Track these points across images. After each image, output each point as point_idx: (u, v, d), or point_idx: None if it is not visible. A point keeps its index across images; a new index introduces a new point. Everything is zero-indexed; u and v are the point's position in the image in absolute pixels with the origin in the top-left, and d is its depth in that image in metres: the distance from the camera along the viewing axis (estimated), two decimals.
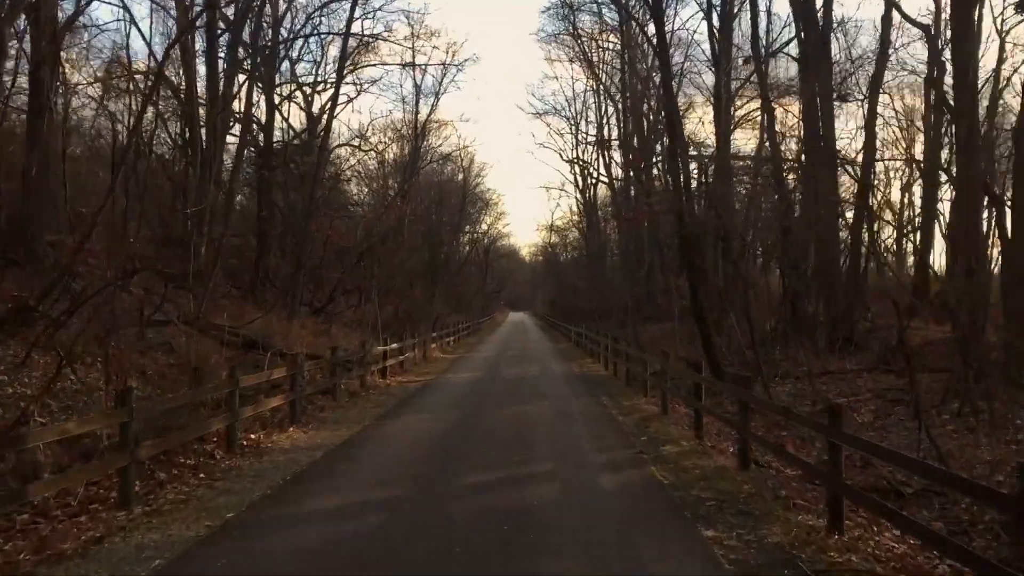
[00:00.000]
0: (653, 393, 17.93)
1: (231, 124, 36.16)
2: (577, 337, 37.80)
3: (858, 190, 25.65)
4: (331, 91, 37.36)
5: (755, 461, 10.18)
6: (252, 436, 11.90)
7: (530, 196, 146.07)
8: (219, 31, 30.68)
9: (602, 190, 65.68)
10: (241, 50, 33.45)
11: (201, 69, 32.89)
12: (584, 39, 47.11)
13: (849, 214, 27.30)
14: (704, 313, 20.59)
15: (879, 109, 28.49)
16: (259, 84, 39.23)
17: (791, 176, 31.24)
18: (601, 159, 59.19)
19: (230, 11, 31.00)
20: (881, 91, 28.16)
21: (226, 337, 22.79)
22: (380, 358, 21.64)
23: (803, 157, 27.72)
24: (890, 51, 27.83)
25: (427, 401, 17.14)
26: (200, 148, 28.99)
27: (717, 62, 31.49)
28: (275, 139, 40.99)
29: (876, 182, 30.37)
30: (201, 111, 30.13)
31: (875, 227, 26.99)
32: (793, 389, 19.34)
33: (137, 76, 32.50)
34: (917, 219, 33.77)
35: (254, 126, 39.72)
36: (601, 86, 51.12)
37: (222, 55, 31.15)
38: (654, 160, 46.17)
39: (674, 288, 30.65)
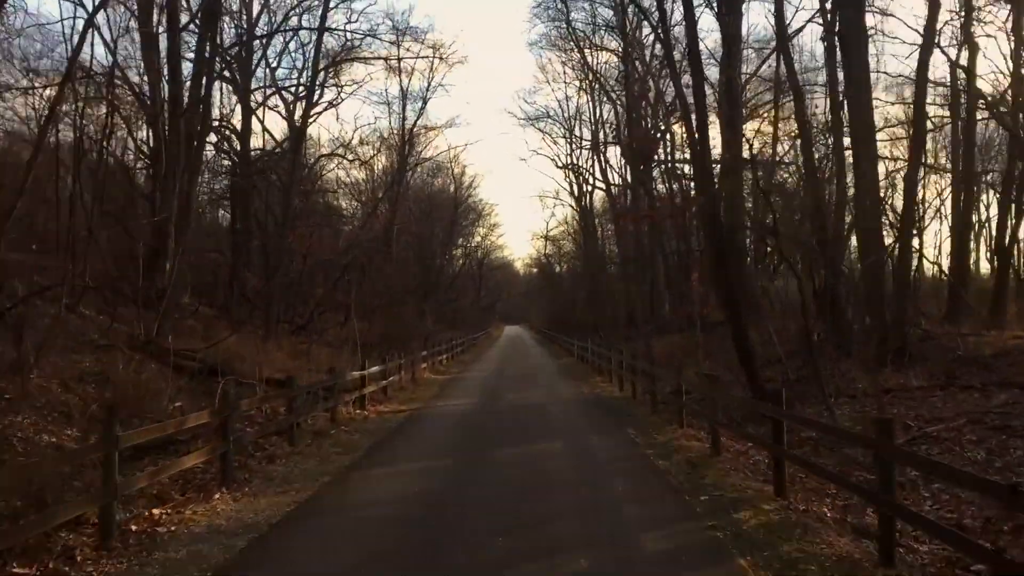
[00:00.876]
0: (690, 422, 14.34)
1: (199, 129, 32.74)
2: (581, 351, 34.18)
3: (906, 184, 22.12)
4: (313, 96, 33.92)
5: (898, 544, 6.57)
6: (154, 512, 8.25)
7: (523, 206, 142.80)
8: (182, 28, 27.00)
9: (598, 197, 62.40)
10: (210, 50, 30.12)
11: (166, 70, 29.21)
12: (579, 34, 43.81)
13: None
14: (742, 320, 16.98)
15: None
16: (232, 88, 35.89)
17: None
18: (597, 163, 55.89)
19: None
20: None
21: (184, 363, 19.29)
22: (357, 385, 17.97)
23: (831, 145, 24.21)
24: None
25: (408, 443, 13.47)
26: (164, 155, 25.47)
27: (730, 48, 28.03)
28: (254, 147, 37.62)
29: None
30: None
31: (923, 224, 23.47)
32: (854, 411, 15.73)
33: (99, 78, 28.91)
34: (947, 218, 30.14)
35: (228, 132, 36.35)
36: (597, 84, 47.74)
37: (191, 56, 27.80)
38: (661, 159, 42.77)
39: (695, 295, 27.03)
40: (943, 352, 19.95)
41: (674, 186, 41.77)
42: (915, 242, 27.32)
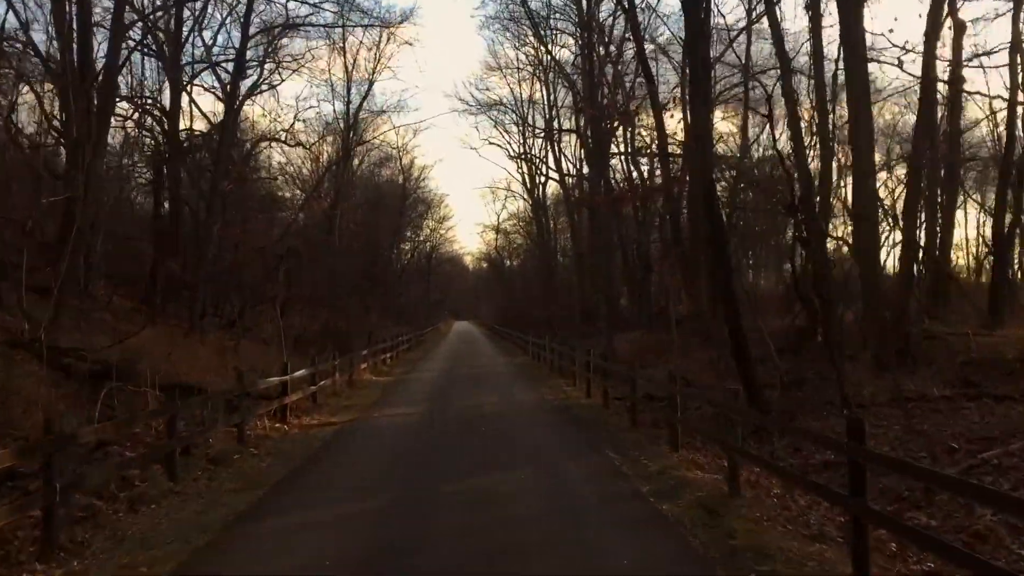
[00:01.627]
0: (688, 443, 11.53)
1: (116, 102, 29.02)
2: (537, 349, 31.29)
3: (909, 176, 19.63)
4: (244, 68, 30.34)
5: None
6: None
7: (474, 199, 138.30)
8: None
9: (551, 189, 59.63)
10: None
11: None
12: (533, 13, 40.80)
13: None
14: (739, 317, 14.21)
15: None
16: (160, 63, 32.11)
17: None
18: (551, 153, 53.10)
19: None
20: None
21: (77, 364, 16.10)
22: (277, 393, 14.75)
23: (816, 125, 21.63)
24: None
25: (331, 474, 10.32)
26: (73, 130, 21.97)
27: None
28: (185, 129, 33.92)
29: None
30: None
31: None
32: (874, 427, 13.06)
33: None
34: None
35: (154, 111, 32.59)
36: (553, 65, 44.83)
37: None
38: (621, 150, 40.09)
39: (667, 289, 24.33)
40: (949, 354, 17.51)
41: (634, 173, 39.12)
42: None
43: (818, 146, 21.70)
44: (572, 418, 15.16)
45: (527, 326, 51.05)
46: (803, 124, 20.67)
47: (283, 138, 44.03)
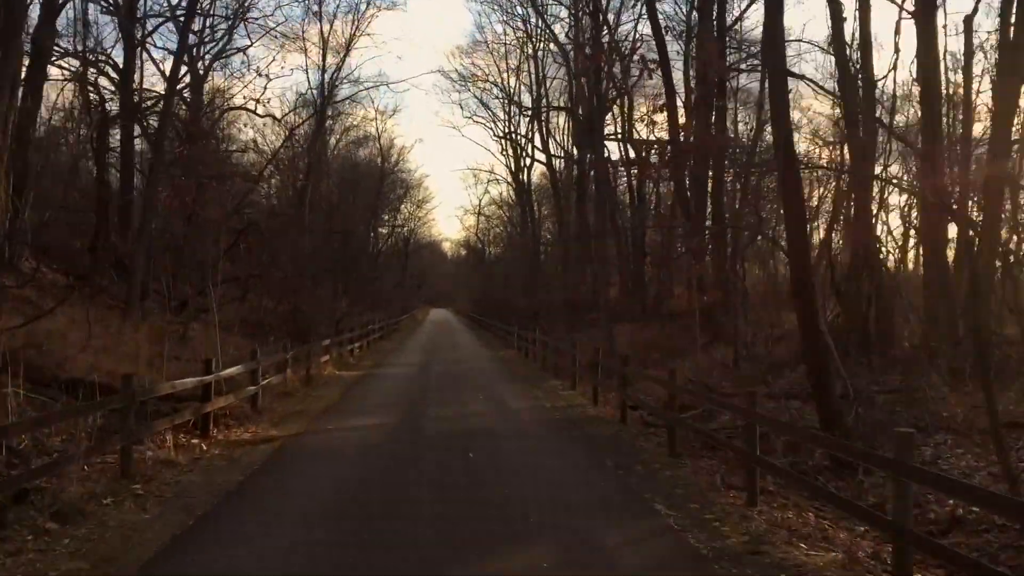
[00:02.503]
0: (777, 489, 7.98)
1: (57, 52, 25.10)
2: (524, 343, 27.67)
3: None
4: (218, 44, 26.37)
5: None
6: None
7: (455, 183, 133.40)
8: None
9: (537, 174, 55.92)
10: None
11: None
12: None
13: None
14: (814, 305, 10.59)
15: None
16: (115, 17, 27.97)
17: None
18: (539, 135, 49.24)
19: None
20: None
21: None
22: (198, 397, 10.96)
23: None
24: None
25: (243, 537, 6.57)
26: None
27: None
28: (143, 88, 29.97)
29: None
30: None
31: None
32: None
33: None
34: None
35: (102, 64, 28.52)
36: (542, 46, 41.07)
37: None
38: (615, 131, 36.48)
39: (690, 278, 20.83)
40: None
41: (632, 154, 35.53)
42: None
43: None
44: (586, 440, 11.49)
45: (508, 316, 47.52)
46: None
47: (252, 107, 40.21)
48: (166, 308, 24.32)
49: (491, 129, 55.60)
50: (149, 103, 29.18)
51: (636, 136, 35.54)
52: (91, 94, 27.73)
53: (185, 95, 40.37)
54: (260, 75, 61.05)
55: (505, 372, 21.33)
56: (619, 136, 35.69)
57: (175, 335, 22.67)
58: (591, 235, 41.19)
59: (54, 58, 24.28)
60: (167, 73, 30.63)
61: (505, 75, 51.01)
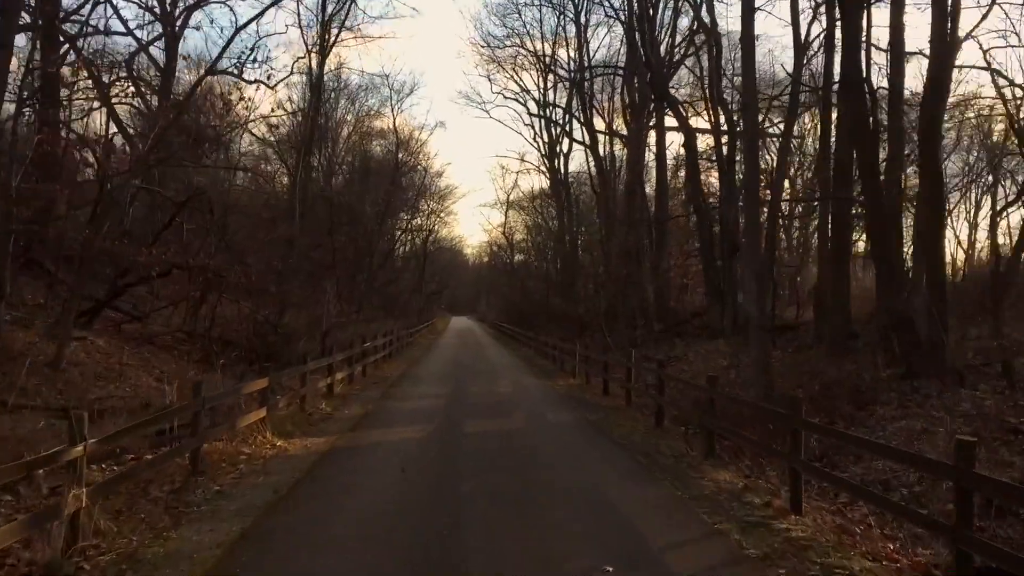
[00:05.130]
0: None
1: None
2: (588, 366, 18.41)
3: None
4: None
5: None
6: None
7: (478, 176, 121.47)
8: None
9: (575, 164, 46.58)
10: None
11: None
12: None
13: None
14: None
15: None
16: None
17: None
18: (582, 109, 39.78)
19: None
20: None
21: None
22: None
23: None
24: None
25: None
26: None
27: None
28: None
29: None
30: None
31: None
32: None
33: None
34: None
35: None
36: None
37: None
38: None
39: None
40: None
41: (722, 116, 26.18)
42: None
43: None
44: None
45: (546, 326, 38.29)
46: None
47: (239, 71, 31.42)
48: (67, 313, 15.24)
49: (524, 105, 46.34)
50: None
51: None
52: None
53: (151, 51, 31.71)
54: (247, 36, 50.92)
55: (597, 435, 11.64)
56: (705, 94, 26.41)
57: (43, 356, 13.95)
58: (651, 221, 31.89)
59: None
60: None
61: (540, 43, 41.88)
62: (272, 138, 38.68)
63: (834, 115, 19.95)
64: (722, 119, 26.22)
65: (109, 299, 18.44)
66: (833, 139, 20.03)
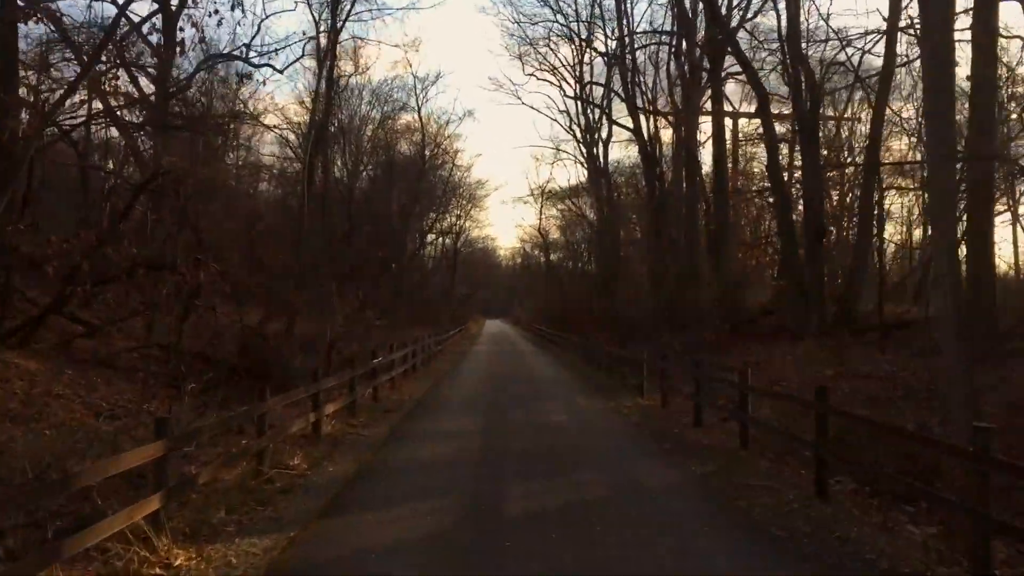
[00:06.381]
0: None
1: None
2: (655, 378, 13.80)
3: None
4: None
5: None
6: None
7: (511, 171, 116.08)
8: None
9: (616, 154, 41.78)
10: None
11: None
12: None
13: None
14: None
15: None
16: None
17: None
18: (624, 85, 35.06)
19: None
20: None
21: None
22: None
23: None
24: None
25: None
26: None
27: None
28: None
29: None
30: None
31: None
32: None
33: None
34: None
35: None
36: None
37: None
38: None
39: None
40: None
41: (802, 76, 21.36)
42: None
43: None
44: None
45: (584, 328, 33.78)
46: None
47: (241, 54, 27.76)
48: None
49: (558, 87, 41.78)
50: None
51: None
52: None
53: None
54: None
55: (745, 532, 6.86)
56: (783, 49, 21.64)
57: None
58: (715, 205, 27.21)
59: None
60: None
61: (575, 23, 37.33)
62: (291, 133, 34.76)
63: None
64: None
65: (53, 308, 14.32)
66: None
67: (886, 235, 26.93)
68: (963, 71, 15.36)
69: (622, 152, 44.49)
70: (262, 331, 16.74)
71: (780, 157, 23.92)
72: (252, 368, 15.92)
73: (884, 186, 23.19)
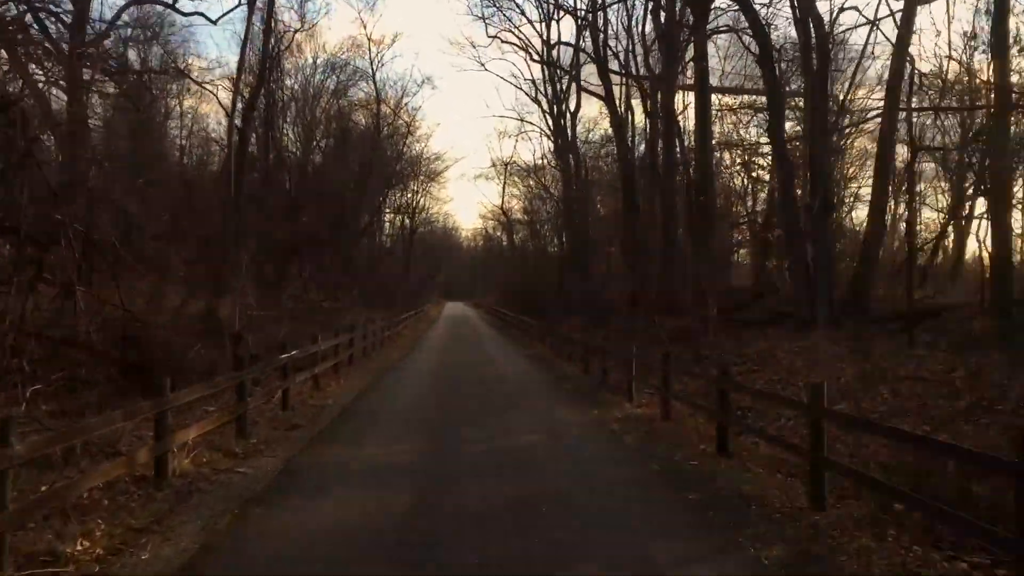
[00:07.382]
0: None
1: None
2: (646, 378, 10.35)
3: None
4: None
5: None
6: None
7: (473, 148, 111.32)
8: None
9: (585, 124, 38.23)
10: None
11: None
12: None
13: None
14: None
15: None
16: None
17: None
18: (595, 48, 31.39)
19: None
20: None
21: None
22: None
23: None
24: None
25: None
26: None
27: None
28: None
29: None
30: None
31: None
32: None
33: None
34: None
35: None
36: None
37: None
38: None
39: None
40: None
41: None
42: None
43: None
44: None
45: (551, 311, 30.50)
46: None
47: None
48: None
49: (525, 50, 37.90)
50: None
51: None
52: None
53: None
54: None
55: None
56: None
57: None
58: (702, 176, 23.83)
59: None
60: None
61: None
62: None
63: None
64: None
65: None
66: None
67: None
68: None
69: (590, 129, 41.33)
70: (147, 316, 12.90)
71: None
72: (139, 363, 12.17)
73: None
